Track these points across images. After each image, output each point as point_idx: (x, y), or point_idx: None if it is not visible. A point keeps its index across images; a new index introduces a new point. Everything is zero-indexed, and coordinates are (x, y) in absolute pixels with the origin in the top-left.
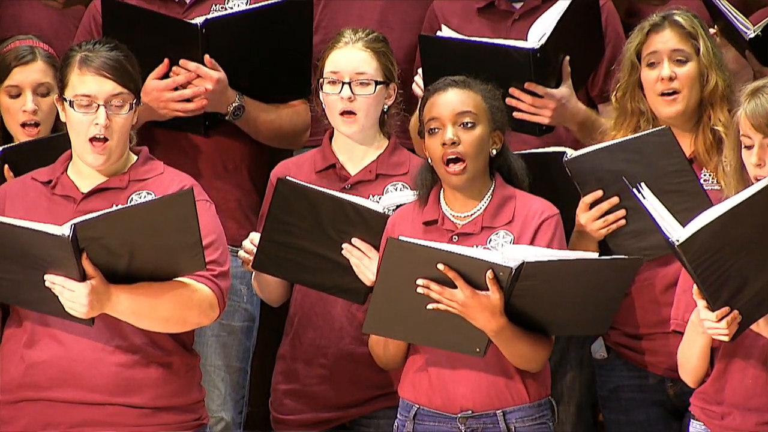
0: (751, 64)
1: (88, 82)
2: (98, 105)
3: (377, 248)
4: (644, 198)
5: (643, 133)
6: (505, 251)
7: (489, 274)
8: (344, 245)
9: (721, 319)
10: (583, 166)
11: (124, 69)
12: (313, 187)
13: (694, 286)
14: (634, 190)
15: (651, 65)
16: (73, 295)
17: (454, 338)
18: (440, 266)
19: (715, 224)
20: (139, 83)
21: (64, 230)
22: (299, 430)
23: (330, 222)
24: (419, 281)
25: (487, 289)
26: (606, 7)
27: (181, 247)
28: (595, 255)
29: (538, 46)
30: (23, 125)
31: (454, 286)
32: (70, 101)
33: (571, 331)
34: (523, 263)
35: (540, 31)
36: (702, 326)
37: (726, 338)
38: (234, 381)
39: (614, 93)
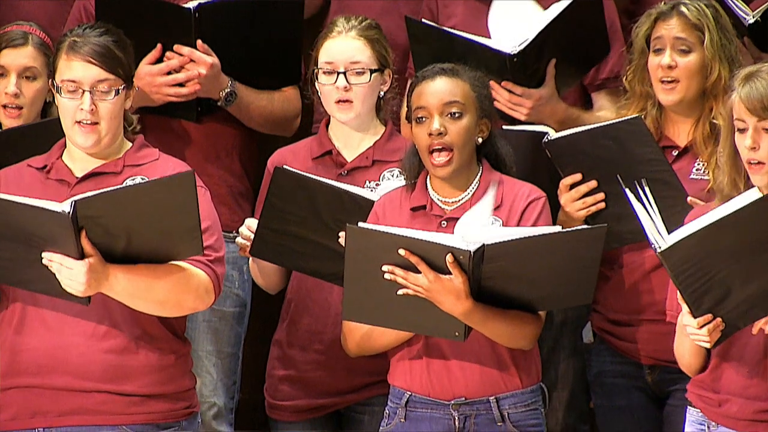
0: (750, 50)
1: (74, 68)
2: (83, 91)
3: None
4: (636, 200)
5: (616, 120)
6: (465, 234)
7: (449, 257)
8: (340, 234)
9: (702, 326)
10: (562, 149)
11: (112, 55)
12: (311, 176)
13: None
14: (626, 189)
15: (656, 51)
16: (70, 272)
17: (431, 323)
18: (401, 252)
19: (699, 235)
20: (130, 68)
21: (65, 207)
22: (294, 416)
23: (327, 210)
24: (384, 267)
25: (450, 273)
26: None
27: (180, 231)
28: (557, 229)
29: (516, 52)
30: (4, 107)
31: (419, 271)
32: (57, 86)
33: (554, 305)
34: (483, 246)
35: (523, 35)
36: (685, 331)
37: (707, 345)
38: (225, 366)
39: (625, 75)
